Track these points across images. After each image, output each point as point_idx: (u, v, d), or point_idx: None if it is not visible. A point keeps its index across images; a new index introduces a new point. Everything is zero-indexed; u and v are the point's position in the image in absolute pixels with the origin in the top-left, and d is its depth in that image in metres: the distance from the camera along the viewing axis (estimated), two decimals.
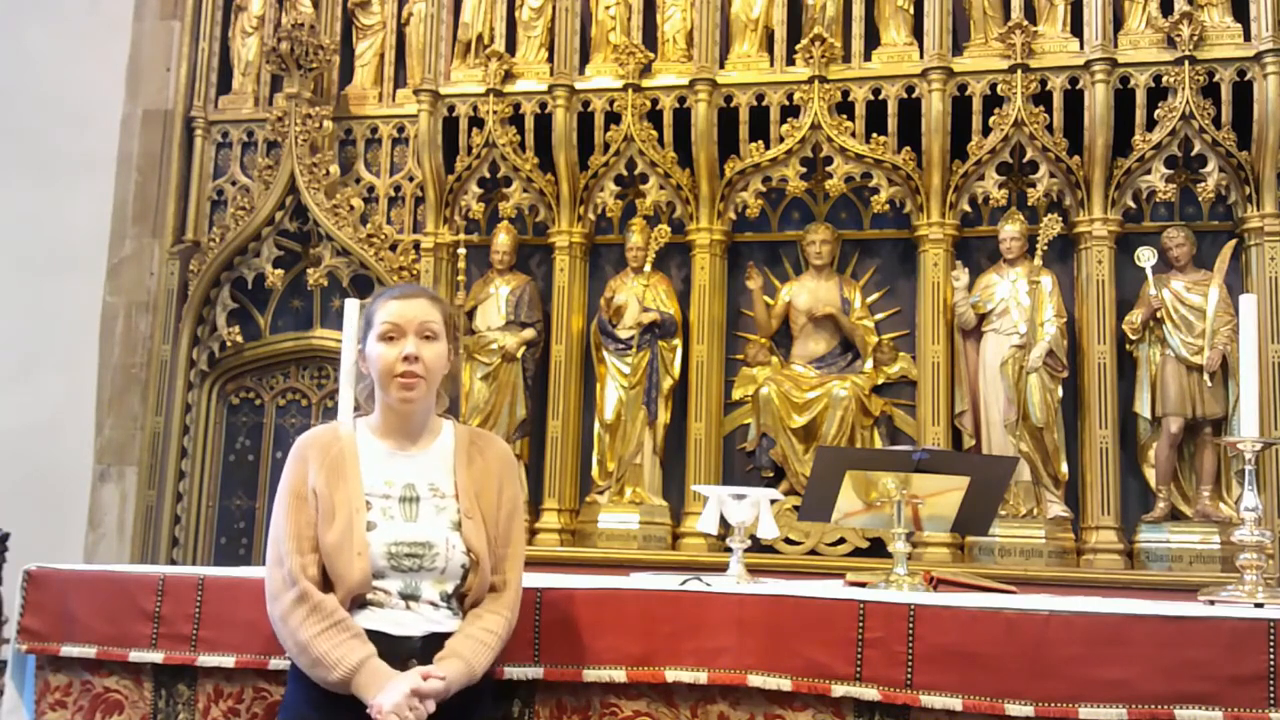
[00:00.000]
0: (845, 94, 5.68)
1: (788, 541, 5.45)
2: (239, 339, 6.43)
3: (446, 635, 2.29)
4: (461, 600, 2.33)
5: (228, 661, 2.69)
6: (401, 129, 6.46)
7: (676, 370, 5.78)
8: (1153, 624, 2.30)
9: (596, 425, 5.80)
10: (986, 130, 5.51)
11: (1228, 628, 2.28)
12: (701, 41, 5.79)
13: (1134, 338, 5.31)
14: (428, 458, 2.40)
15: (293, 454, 2.38)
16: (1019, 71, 5.44)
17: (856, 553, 5.42)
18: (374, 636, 2.24)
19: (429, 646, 2.27)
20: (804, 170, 5.73)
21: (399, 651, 2.24)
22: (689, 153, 5.79)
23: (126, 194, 6.64)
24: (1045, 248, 5.24)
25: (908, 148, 5.57)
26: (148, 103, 6.70)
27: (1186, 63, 5.27)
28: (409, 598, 2.28)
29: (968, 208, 5.60)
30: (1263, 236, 5.21)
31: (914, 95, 5.58)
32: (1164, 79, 5.34)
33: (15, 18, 6.95)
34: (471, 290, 5.94)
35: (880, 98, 5.64)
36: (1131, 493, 5.33)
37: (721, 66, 5.82)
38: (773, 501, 3.25)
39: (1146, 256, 5.27)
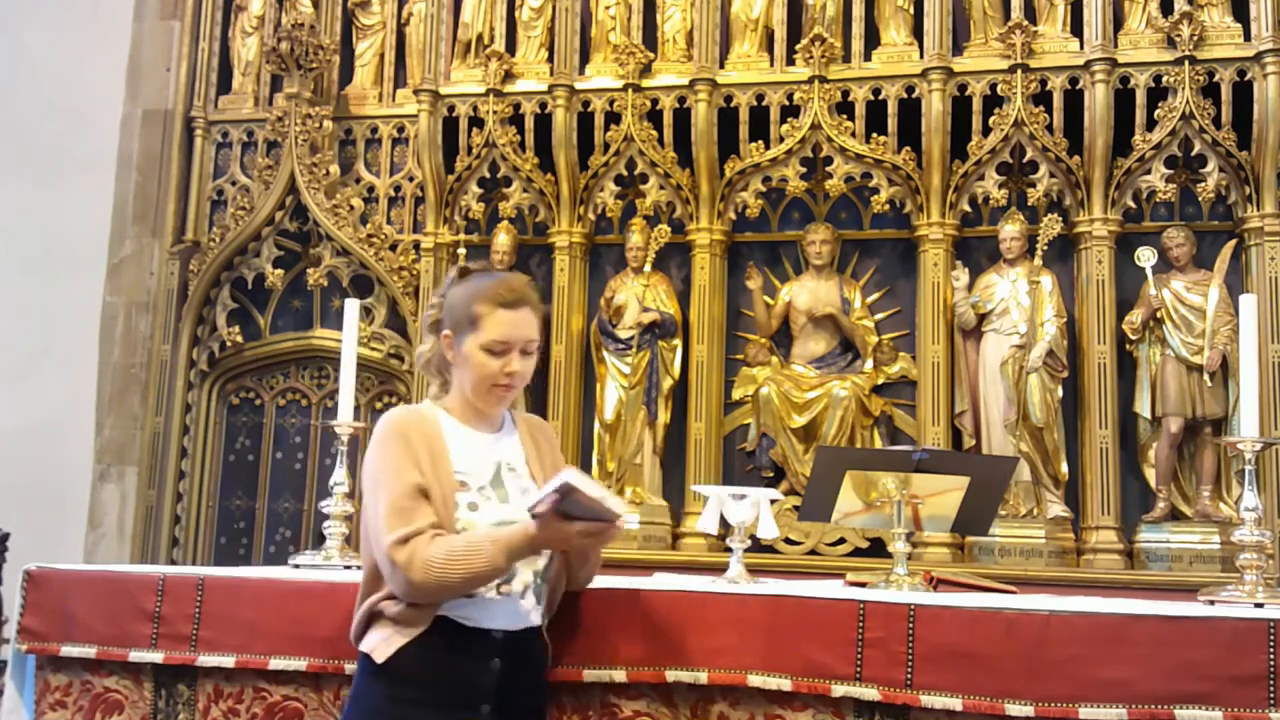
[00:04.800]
0: (845, 94, 5.68)
1: (788, 541, 5.45)
2: (239, 339, 6.43)
3: (530, 630, 2.29)
4: (545, 585, 2.34)
5: (228, 661, 2.69)
6: (401, 129, 6.46)
7: (676, 370, 5.78)
8: (1153, 624, 2.29)
9: (596, 425, 5.80)
10: (986, 130, 5.51)
11: (1228, 628, 2.27)
12: (701, 41, 5.79)
13: (1134, 338, 5.31)
14: (502, 441, 2.41)
15: (389, 433, 2.26)
16: (1019, 71, 5.44)
17: (856, 553, 5.42)
18: (449, 627, 2.19)
19: (512, 645, 2.25)
20: (804, 170, 5.73)
21: (477, 648, 2.21)
22: (689, 153, 5.79)
23: (126, 194, 6.64)
24: (1045, 248, 5.25)
25: (908, 148, 5.57)
26: (148, 103, 6.70)
27: (1186, 63, 5.27)
28: (503, 580, 2.24)
29: (968, 208, 5.60)
30: (1263, 236, 5.21)
31: (914, 95, 5.57)
32: (1164, 79, 5.33)
33: (15, 18, 6.95)
34: None
35: (880, 98, 5.64)
36: (1131, 493, 5.32)
37: (721, 66, 5.82)
38: (773, 501, 3.24)
39: (1146, 256, 5.27)
